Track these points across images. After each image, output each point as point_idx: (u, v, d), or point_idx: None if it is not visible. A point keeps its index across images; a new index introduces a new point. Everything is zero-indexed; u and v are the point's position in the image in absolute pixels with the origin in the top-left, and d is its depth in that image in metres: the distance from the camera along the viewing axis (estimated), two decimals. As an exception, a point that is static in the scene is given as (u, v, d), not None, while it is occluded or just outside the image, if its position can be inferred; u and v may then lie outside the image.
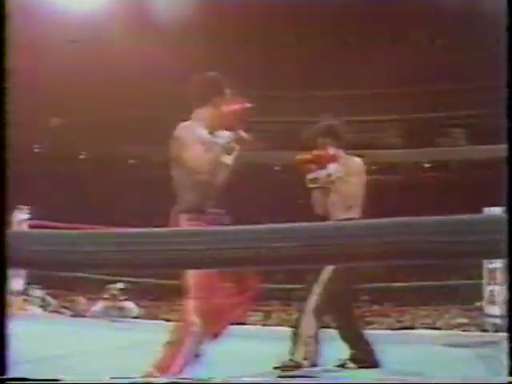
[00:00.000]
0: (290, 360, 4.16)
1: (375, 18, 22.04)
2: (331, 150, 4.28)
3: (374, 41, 21.59)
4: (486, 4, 20.29)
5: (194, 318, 3.57)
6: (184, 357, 3.56)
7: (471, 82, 23.27)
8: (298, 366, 4.14)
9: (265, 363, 4.18)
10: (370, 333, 7.74)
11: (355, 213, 4.24)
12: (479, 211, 7.26)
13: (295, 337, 4.26)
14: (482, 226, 1.51)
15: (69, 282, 10.10)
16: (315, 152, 4.34)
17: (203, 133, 3.58)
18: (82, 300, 10.41)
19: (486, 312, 7.15)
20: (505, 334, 5.09)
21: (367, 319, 10.87)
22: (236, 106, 3.69)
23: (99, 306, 9.52)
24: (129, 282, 9.77)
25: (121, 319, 8.92)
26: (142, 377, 3.53)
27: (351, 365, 4.37)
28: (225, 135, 3.56)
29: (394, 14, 21.60)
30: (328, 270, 4.21)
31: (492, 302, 6.99)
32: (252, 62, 22.41)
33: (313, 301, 4.26)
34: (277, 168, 24.67)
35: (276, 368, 4.09)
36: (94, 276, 10.01)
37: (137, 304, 9.78)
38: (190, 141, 3.55)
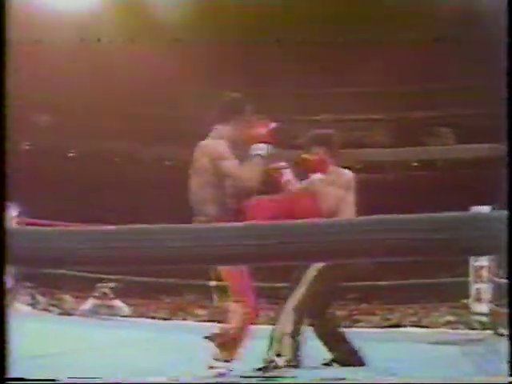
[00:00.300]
0: (264, 358, 4.18)
1: (364, 18, 22.09)
2: (321, 159, 4.39)
3: (363, 40, 21.64)
4: (476, 2, 20.39)
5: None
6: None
7: (459, 82, 23.37)
8: (271, 362, 4.14)
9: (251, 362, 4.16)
10: (357, 331, 7.82)
11: None
12: (467, 210, 7.31)
13: (272, 334, 4.28)
14: (469, 224, 1.53)
15: (57, 279, 10.08)
16: (304, 156, 4.47)
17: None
18: (69, 298, 10.38)
19: (472, 310, 7.19)
20: (491, 332, 5.16)
21: (354, 317, 10.90)
22: (262, 129, 3.92)
23: (89, 304, 9.50)
24: (118, 280, 9.78)
25: (110, 317, 8.92)
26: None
27: (335, 364, 4.41)
28: (263, 147, 3.83)
29: (382, 14, 21.67)
30: (314, 269, 4.26)
31: (478, 300, 7.04)
32: (242, 60, 22.40)
33: (295, 299, 4.30)
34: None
35: (258, 369, 4.10)
36: (83, 274, 10.01)
37: (125, 302, 9.77)
38: (226, 153, 3.78)
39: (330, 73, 24.03)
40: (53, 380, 2.54)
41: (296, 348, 4.28)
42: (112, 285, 9.53)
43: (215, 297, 8.43)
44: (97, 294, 9.48)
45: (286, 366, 4.16)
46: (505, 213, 1.48)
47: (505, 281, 6.83)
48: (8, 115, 1.94)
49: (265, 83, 24.30)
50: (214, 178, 3.83)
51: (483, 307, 6.96)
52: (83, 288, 10.21)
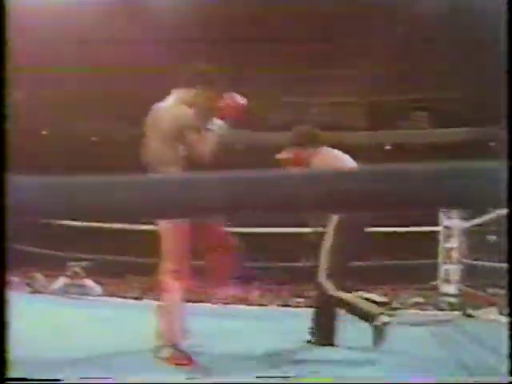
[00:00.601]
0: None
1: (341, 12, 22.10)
2: (299, 154, 4.69)
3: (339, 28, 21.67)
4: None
5: (171, 281, 3.85)
6: (178, 321, 3.87)
7: (433, 65, 23.43)
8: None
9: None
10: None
11: None
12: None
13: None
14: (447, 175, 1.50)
15: (29, 258, 10.02)
16: (281, 156, 4.80)
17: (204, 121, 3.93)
18: (39, 276, 10.31)
19: (440, 291, 7.26)
20: (459, 313, 5.19)
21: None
22: (233, 103, 4.05)
23: (60, 283, 9.44)
24: (89, 259, 9.75)
25: (80, 297, 8.89)
26: (151, 350, 3.83)
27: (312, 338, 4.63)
28: (221, 125, 4.01)
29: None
30: (329, 241, 4.53)
31: (447, 281, 7.10)
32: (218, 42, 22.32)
33: (323, 269, 4.52)
34: (240, 147, 24.65)
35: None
36: (55, 253, 9.96)
37: (97, 282, 9.72)
38: (195, 124, 3.88)
39: (305, 57, 24.02)
40: (53, 380, 2.59)
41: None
42: (83, 264, 9.47)
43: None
44: (68, 273, 9.40)
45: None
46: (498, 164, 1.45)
47: (474, 262, 6.89)
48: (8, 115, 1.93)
49: (241, 65, 24.25)
50: (178, 143, 3.90)
51: (452, 288, 7.03)
52: (55, 266, 10.15)
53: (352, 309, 4.48)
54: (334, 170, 1.53)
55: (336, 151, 4.86)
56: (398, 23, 22.05)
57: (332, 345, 4.54)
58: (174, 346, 3.76)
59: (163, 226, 3.89)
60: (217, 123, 3.99)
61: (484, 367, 3.70)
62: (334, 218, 4.53)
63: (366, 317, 4.39)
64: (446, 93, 23.93)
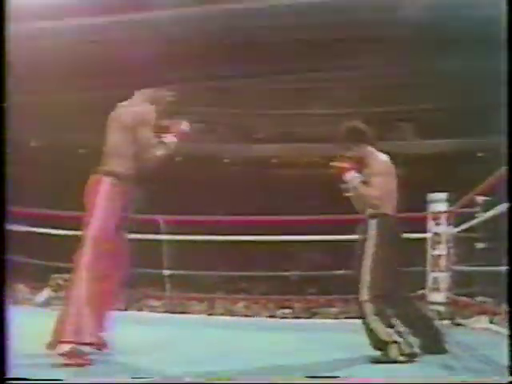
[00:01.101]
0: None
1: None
2: (347, 162, 4.63)
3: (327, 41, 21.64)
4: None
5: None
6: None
7: (419, 77, 23.49)
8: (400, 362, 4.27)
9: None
10: (316, 322, 7.73)
11: (384, 209, 4.54)
12: (424, 203, 7.31)
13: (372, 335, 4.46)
14: None
15: (12, 268, 9.86)
16: (335, 164, 4.69)
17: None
18: (23, 288, 10.18)
19: (429, 299, 7.18)
20: (448, 322, 5.12)
21: (312, 310, 10.87)
22: (176, 129, 4.36)
23: (44, 295, 9.33)
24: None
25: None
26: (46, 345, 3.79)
27: (418, 351, 4.46)
28: (171, 142, 4.27)
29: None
30: (370, 253, 4.46)
31: (436, 289, 7.02)
32: (203, 54, 22.26)
33: (365, 289, 4.43)
34: (226, 160, 24.59)
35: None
36: (38, 262, 9.83)
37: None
38: (151, 124, 4.17)
39: (293, 68, 24.02)
40: (53, 380, 2.60)
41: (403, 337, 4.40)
42: (67, 276, 9.37)
43: (168, 286, 8.40)
44: (52, 286, 9.30)
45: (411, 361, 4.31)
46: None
47: (463, 268, 6.82)
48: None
49: (225, 77, 24.22)
50: (132, 137, 4.16)
51: (440, 296, 6.95)
52: (40, 277, 10.03)
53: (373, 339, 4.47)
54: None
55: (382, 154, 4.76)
56: (383, 36, 22.13)
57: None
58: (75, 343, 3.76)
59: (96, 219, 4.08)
60: (170, 138, 4.27)
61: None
62: (373, 229, 4.50)
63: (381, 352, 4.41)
64: (432, 104, 24.01)
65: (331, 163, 4.71)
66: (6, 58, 1.80)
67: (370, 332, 4.42)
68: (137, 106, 4.23)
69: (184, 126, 4.39)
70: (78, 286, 3.89)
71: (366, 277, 4.42)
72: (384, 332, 4.34)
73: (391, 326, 4.37)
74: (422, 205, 7.37)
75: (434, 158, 23.43)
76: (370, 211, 4.57)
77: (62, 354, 3.69)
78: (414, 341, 4.51)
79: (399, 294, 4.64)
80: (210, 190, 21.35)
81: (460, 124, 23.15)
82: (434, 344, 4.59)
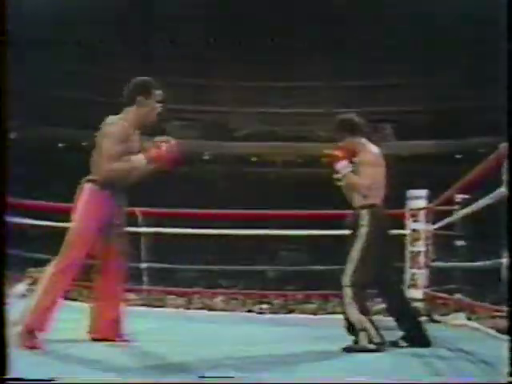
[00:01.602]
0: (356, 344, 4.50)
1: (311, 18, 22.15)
2: (339, 151, 4.74)
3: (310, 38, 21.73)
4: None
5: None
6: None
7: (400, 79, 23.60)
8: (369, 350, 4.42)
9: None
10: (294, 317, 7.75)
11: (373, 200, 4.69)
12: (403, 205, 7.35)
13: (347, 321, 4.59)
14: None
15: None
16: (326, 152, 4.81)
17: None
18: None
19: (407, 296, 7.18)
20: (426, 318, 5.15)
21: (290, 307, 10.86)
22: (165, 152, 4.38)
23: (20, 289, 9.27)
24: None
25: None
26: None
27: (403, 343, 4.68)
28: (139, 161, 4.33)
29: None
30: (359, 243, 4.59)
31: (413, 286, 7.05)
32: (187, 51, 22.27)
33: (347, 275, 4.57)
34: (206, 157, 24.59)
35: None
36: (16, 252, 9.75)
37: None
38: (116, 135, 4.29)
39: (275, 66, 24.06)
40: (53, 380, 2.56)
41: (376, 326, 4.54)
42: (43, 270, 9.33)
43: (145, 279, 8.38)
44: (28, 279, 9.25)
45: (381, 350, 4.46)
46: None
47: (441, 265, 6.85)
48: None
49: (207, 74, 24.20)
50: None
51: (418, 293, 6.97)
52: (16, 269, 9.97)
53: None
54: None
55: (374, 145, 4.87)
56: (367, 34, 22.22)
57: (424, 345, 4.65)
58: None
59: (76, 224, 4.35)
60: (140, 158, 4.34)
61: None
62: (362, 230, 4.61)
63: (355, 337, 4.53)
64: (411, 106, 24.13)
65: (324, 151, 4.84)
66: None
67: (346, 316, 4.56)
68: (112, 121, 4.37)
69: (165, 148, 4.39)
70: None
71: (351, 264, 4.55)
72: (356, 318, 4.47)
73: (365, 314, 4.49)
74: (400, 204, 7.41)
75: (413, 159, 23.57)
76: (360, 201, 4.69)
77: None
78: (399, 333, 4.72)
79: (388, 284, 4.80)
80: (187, 185, 21.34)
81: (438, 126, 23.31)
82: (419, 336, 4.71)
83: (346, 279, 4.53)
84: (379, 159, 4.77)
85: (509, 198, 3.09)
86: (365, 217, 4.63)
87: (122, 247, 4.60)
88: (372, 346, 4.42)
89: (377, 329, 4.51)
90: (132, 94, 4.41)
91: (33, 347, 4.03)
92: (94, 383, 2.75)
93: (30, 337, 4.11)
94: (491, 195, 4.62)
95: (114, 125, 4.31)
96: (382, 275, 4.71)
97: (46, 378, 2.59)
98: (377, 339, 4.47)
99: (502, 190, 3.81)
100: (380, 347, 4.45)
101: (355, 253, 4.57)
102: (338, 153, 4.72)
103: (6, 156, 1.67)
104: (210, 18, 23.39)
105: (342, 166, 4.67)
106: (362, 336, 4.44)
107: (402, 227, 7.24)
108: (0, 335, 1.78)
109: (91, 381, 2.77)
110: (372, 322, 4.50)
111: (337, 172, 4.71)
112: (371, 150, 4.77)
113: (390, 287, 4.83)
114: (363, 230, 4.60)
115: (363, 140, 4.79)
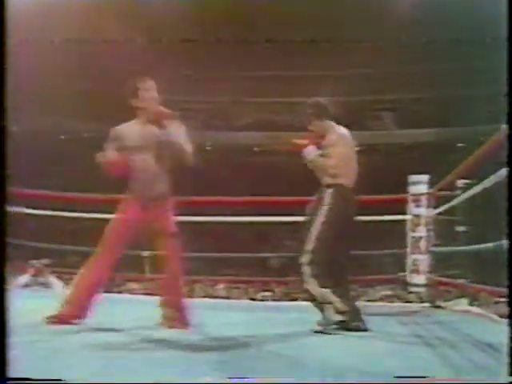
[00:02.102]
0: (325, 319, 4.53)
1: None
2: (302, 139, 4.83)
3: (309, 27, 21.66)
4: None
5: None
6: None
7: (401, 67, 23.53)
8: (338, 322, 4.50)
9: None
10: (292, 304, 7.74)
11: (341, 180, 4.69)
12: (404, 192, 7.34)
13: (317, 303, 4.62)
14: None
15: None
16: (293, 141, 4.90)
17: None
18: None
19: (409, 281, 7.19)
20: (428, 305, 5.13)
21: (293, 295, 10.82)
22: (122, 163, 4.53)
23: (24, 278, 9.30)
24: (54, 251, 9.64)
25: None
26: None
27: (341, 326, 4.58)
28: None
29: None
30: (318, 223, 4.61)
31: (415, 271, 7.04)
32: (182, 45, 22.20)
33: (306, 254, 4.61)
34: (208, 148, 24.55)
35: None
36: (18, 242, 9.77)
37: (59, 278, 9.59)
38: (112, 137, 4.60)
39: (273, 56, 23.99)
40: (53, 380, 2.57)
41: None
42: (45, 261, 9.40)
43: (147, 268, 8.37)
44: (31, 270, 9.28)
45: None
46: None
47: (442, 249, 6.82)
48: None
49: (206, 66, 24.15)
50: None
51: (420, 279, 6.96)
52: (21, 262, 9.99)
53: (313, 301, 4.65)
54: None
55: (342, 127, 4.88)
56: (370, 26, 22.16)
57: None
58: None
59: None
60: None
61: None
62: (325, 208, 4.62)
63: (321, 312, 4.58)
64: (413, 93, 24.07)
65: (290, 141, 4.92)
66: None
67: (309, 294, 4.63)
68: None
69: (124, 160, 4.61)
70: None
71: (310, 242, 4.60)
72: (319, 293, 4.53)
73: (327, 287, 4.55)
74: (403, 192, 7.40)
75: (414, 147, 23.53)
76: (326, 180, 4.71)
77: None
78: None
79: (339, 264, 4.74)
80: (191, 176, 21.34)
81: (440, 114, 23.25)
82: (355, 320, 4.63)
83: (305, 258, 4.58)
84: (346, 140, 4.77)
85: (509, 180, 3.07)
86: (329, 195, 4.65)
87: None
88: (340, 317, 4.48)
89: (341, 298, 4.55)
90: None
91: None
92: (94, 383, 2.76)
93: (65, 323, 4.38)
94: (490, 178, 4.61)
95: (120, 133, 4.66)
96: (338, 253, 4.70)
97: (48, 379, 2.59)
98: (343, 308, 4.51)
99: (503, 172, 3.80)
100: (346, 317, 4.51)
101: (314, 231, 4.60)
102: (300, 141, 4.80)
103: (5, 147, 1.67)
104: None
105: (308, 151, 4.74)
106: (329, 309, 4.50)
107: (404, 213, 7.24)
108: (0, 335, 1.77)
109: (94, 381, 2.78)
110: (335, 293, 4.53)
111: (305, 158, 4.76)
112: (337, 131, 4.78)
113: (340, 266, 4.76)
114: (324, 208, 4.62)
115: (330, 122, 4.79)
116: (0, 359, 1.96)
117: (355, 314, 4.64)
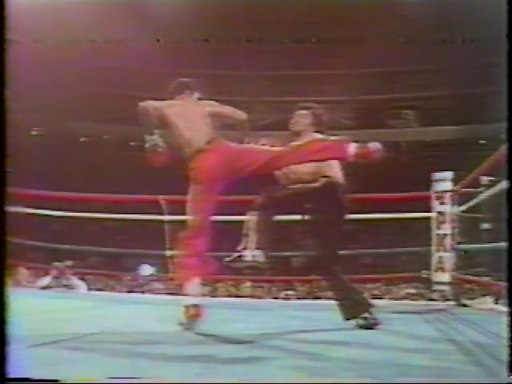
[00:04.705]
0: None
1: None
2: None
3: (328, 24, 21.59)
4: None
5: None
6: None
7: (422, 65, 23.41)
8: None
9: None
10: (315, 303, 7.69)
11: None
12: (428, 190, 7.27)
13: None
14: None
15: (15, 251, 9.85)
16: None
17: None
18: (24, 271, 10.16)
19: (433, 280, 7.13)
20: (453, 303, 5.06)
21: (315, 293, 10.81)
22: None
23: (46, 280, 9.36)
24: (76, 252, 9.68)
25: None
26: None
27: None
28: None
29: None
30: None
31: (441, 269, 6.97)
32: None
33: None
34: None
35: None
36: (40, 244, 9.81)
37: (82, 279, 9.64)
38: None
39: (291, 55, 23.96)
40: (54, 380, 2.55)
41: None
42: (68, 263, 9.46)
43: (171, 268, 8.38)
44: (54, 272, 9.34)
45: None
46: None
47: (467, 247, 6.76)
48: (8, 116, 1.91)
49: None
50: None
51: (445, 277, 6.89)
52: (43, 262, 10.04)
53: None
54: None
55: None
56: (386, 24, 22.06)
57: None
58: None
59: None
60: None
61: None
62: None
63: None
64: (434, 91, 23.94)
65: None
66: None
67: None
68: None
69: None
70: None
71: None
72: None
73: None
74: (426, 189, 7.34)
75: (436, 144, 23.40)
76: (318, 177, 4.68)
77: None
78: None
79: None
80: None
81: (462, 111, 23.11)
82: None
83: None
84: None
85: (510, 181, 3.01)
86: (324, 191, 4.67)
87: None
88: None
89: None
90: None
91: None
92: (94, 383, 2.74)
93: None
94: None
95: None
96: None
97: (48, 379, 2.58)
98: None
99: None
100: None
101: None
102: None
103: (5, 147, 1.65)
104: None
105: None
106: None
107: (427, 211, 7.17)
108: (0, 335, 1.76)
109: (94, 381, 2.76)
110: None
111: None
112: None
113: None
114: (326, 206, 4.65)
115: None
116: (0, 359, 1.94)
117: (361, 308, 4.61)
